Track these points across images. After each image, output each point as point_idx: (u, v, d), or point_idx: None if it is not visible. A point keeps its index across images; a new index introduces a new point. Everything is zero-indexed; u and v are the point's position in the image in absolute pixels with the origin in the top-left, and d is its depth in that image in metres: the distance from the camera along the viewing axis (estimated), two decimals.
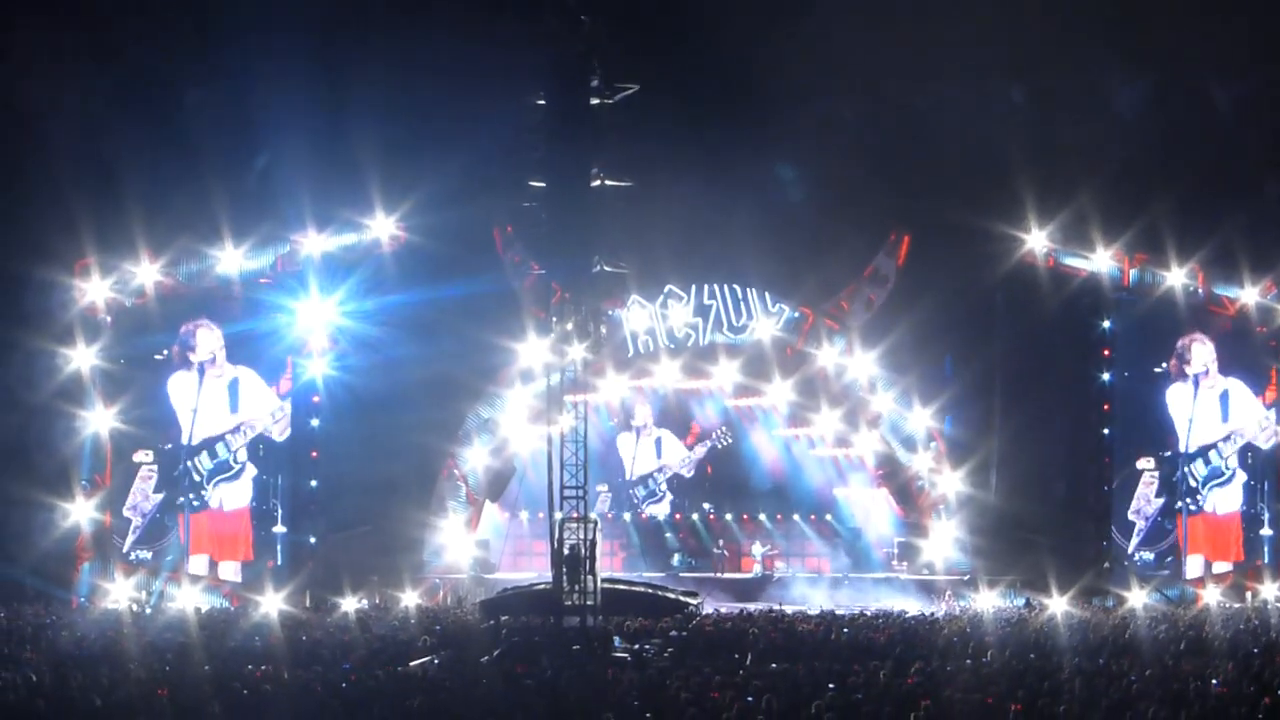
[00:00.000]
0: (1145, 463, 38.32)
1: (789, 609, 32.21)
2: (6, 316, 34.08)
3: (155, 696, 17.98)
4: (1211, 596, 36.65)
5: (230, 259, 35.68)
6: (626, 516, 40.83)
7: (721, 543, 40.02)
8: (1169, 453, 38.36)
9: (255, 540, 36.32)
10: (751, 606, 33.07)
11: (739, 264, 38.56)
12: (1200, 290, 38.24)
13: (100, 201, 33.84)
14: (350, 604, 32.17)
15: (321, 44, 35.39)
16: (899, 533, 39.84)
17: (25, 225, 33.86)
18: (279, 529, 36.38)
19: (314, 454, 36.41)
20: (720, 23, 34.44)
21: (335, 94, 35.65)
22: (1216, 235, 36.97)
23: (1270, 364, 38.78)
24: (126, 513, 35.63)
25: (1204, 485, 38.55)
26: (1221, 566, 38.53)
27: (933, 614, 31.40)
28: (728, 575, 38.89)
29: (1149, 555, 38.36)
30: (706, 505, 41.01)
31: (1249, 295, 38.23)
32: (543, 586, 30.18)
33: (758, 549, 39.65)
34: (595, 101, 28.09)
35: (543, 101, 28.36)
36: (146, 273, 35.29)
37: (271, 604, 32.23)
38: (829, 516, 40.92)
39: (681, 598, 32.37)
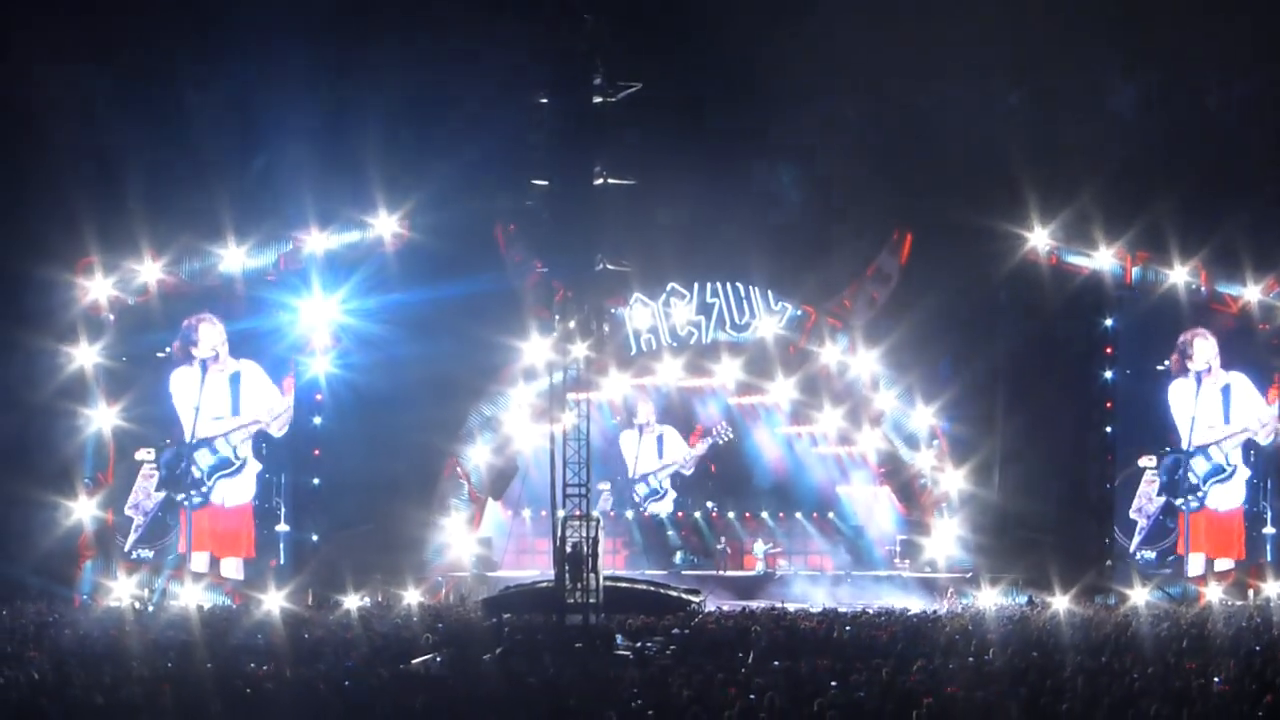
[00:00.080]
0: (1147, 461, 38.30)
1: (791, 607, 32.15)
2: (8, 315, 34.08)
3: (158, 694, 17.97)
4: (1214, 594, 36.65)
5: (233, 257, 35.66)
6: (629, 514, 40.78)
7: (724, 540, 39.93)
8: (1170, 450, 38.34)
9: (258, 538, 36.28)
10: (754, 604, 33.06)
11: (741, 262, 38.45)
12: (1203, 288, 38.17)
13: (103, 200, 33.82)
14: (352, 602, 32.19)
15: (324, 42, 35.40)
16: (901, 530, 39.77)
17: (27, 224, 33.81)
18: (282, 527, 36.38)
19: (316, 452, 36.44)
20: (723, 21, 34.41)
21: (338, 92, 35.74)
22: (1219, 233, 36.89)
23: (1273, 362, 38.68)
24: (128, 511, 35.60)
25: (1205, 482, 38.48)
26: (1224, 564, 38.45)
27: (935, 612, 31.34)
28: (730, 573, 38.83)
29: (1151, 553, 38.30)
30: (709, 503, 40.95)
31: (1251, 293, 38.14)
32: (545, 584, 30.20)
33: (760, 547, 39.62)
34: (598, 100, 28.11)
35: (545, 100, 28.38)
36: (149, 271, 35.27)
37: (274, 602, 32.27)
38: (831, 514, 40.87)
39: (684, 595, 32.39)
